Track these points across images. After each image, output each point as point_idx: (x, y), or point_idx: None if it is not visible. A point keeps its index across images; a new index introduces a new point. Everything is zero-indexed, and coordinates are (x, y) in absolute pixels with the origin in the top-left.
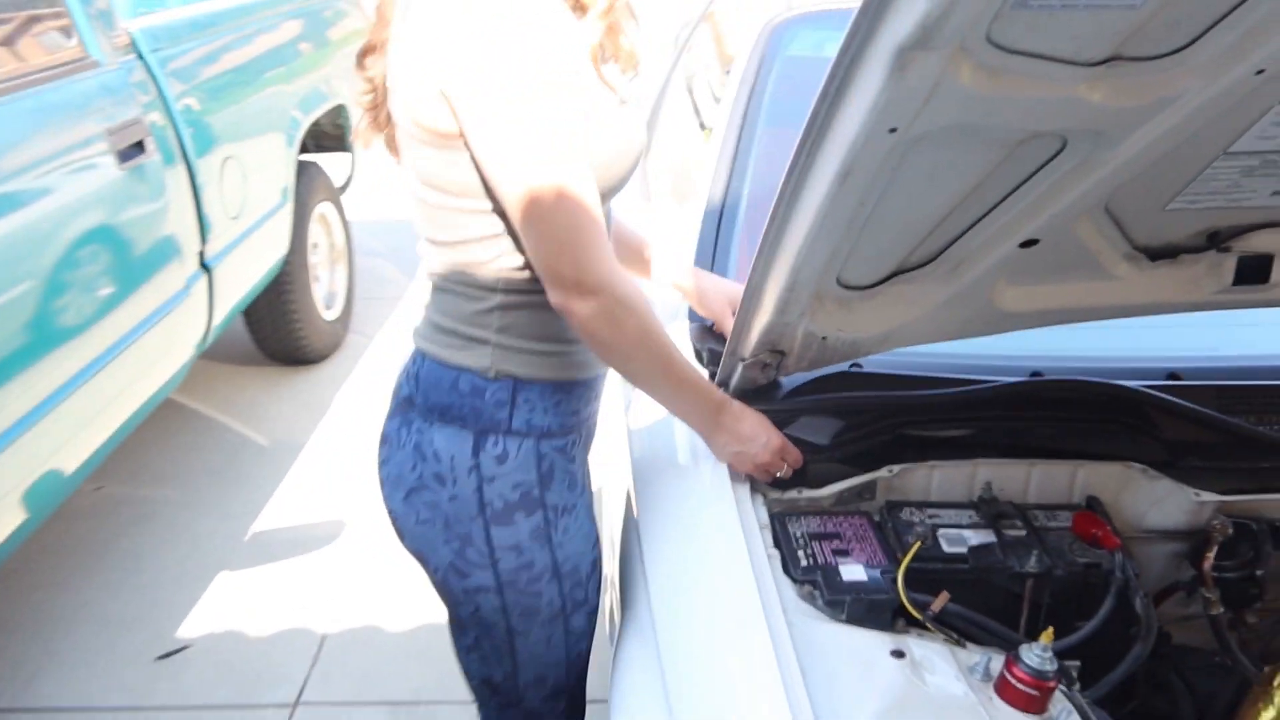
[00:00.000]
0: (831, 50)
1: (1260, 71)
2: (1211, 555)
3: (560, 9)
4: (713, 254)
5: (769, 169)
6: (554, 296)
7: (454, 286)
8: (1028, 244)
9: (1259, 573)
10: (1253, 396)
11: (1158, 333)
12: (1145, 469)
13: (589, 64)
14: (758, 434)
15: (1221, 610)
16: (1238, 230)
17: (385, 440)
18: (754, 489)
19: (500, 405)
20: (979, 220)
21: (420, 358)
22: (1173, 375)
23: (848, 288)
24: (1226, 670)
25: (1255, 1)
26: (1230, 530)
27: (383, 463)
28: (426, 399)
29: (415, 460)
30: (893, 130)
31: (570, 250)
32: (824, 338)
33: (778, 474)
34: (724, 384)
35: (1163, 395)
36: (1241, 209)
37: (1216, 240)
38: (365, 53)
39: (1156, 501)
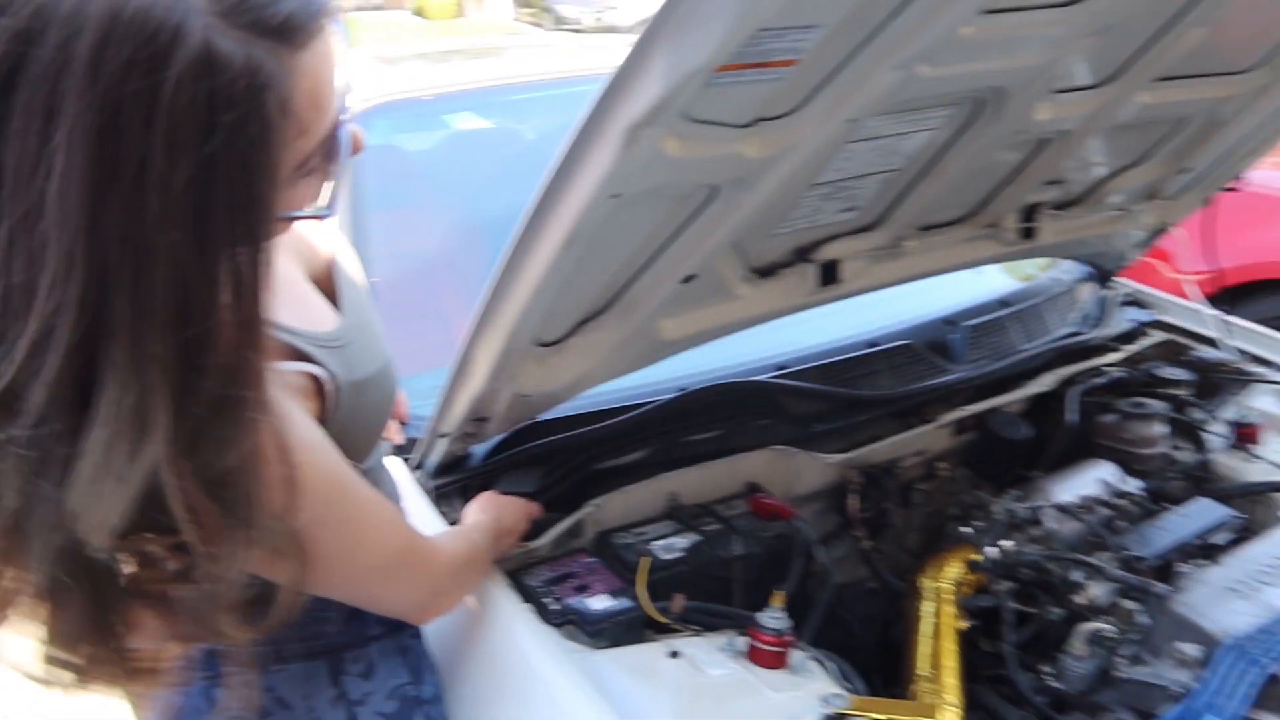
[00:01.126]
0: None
1: (849, 121)
2: (854, 501)
3: None
4: None
5: (394, 252)
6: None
7: None
8: (688, 279)
9: (886, 505)
10: (842, 370)
11: (763, 337)
12: (783, 448)
13: None
14: (518, 517)
15: (870, 544)
16: (816, 244)
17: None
18: None
19: (349, 615)
20: (649, 264)
21: None
22: (780, 368)
23: (543, 344)
24: (875, 593)
25: (846, 70)
26: (860, 479)
27: None
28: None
29: None
30: (615, 196)
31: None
32: (527, 396)
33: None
34: (419, 465)
35: (783, 381)
36: (818, 227)
37: (803, 254)
38: None
39: (797, 473)
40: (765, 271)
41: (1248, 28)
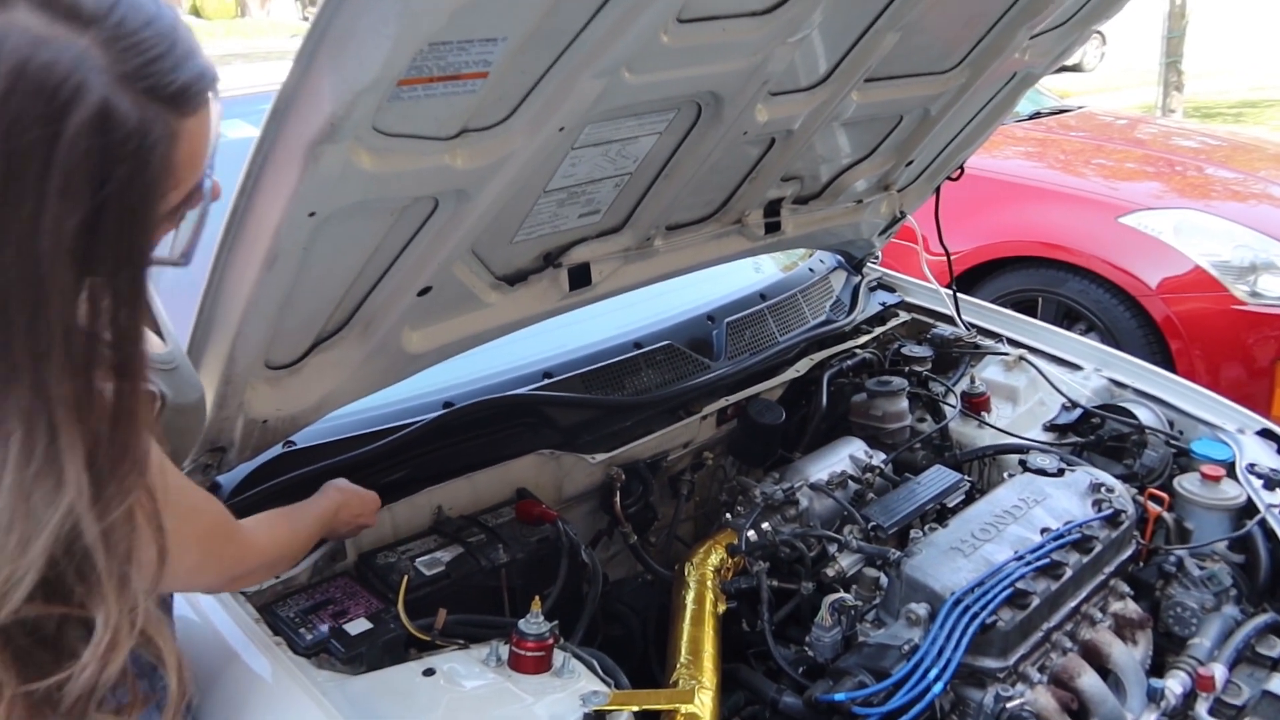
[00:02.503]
0: None
1: (561, 129)
2: (618, 499)
3: None
4: None
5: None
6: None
7: None
8: (424, 292)
9: (651, 499)
10: (606, 375)
11: (528, 342)
12: (551, 452)
13: None
14: (364, 506)
15: (635, 538)
16: (562, 249)
17: None
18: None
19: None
20: (380, 279)
21: None
22: (547, 374)
23: (275, 368)
24: (650, 584)
25: (545, 83)
26: (624, 476)
27: None
28: None
29: None
30: (312, 214)
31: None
32: (264, 421)
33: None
34: None
35: (547, 394)
36: (561, 232)
37: (551, 259)
38: None
39: (566, 474)
40: (514, 279)
41: (940, 33)
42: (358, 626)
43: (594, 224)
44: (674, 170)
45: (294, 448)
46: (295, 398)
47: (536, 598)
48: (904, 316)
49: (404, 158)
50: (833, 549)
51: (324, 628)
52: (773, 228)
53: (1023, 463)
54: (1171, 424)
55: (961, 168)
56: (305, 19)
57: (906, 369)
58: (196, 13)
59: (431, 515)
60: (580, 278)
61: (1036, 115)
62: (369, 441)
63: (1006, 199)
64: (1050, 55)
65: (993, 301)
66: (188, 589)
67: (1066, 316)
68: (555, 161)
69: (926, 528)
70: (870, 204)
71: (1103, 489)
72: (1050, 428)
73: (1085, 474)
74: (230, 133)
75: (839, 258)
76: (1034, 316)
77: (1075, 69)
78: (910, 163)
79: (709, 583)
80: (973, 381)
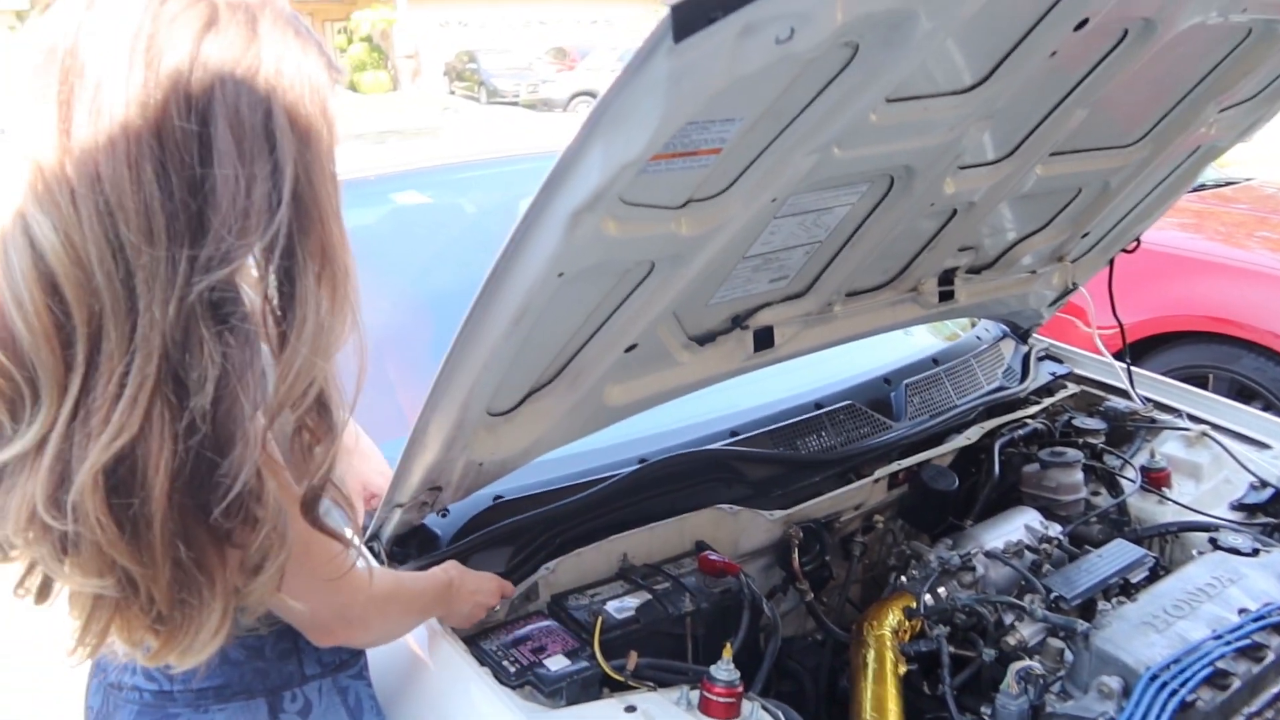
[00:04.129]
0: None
1: (773, 199)
2: (796, 555)
3: None
4: None
5: None
6: (318, 641)
7: None
8: (630, 349)
9: (827, 558)
10: (790, 432)
11: (716, 398)
12: (729, 507)
13: None
14: (480, 584)
15: (812, 595)
16: (750, 312)
17: None
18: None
19: (285, 655)
20: (594, 335)
21: None
22: (734, 432)
23: (494, 415)
24: (820, 644)
25: (764, 157)
26: (801, 534)
27: None
28: (190, 685)
29: None
30: (561, 274)
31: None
32: (480, 464)
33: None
34: (375, 536)
35: (736, 449)
36: (751, 296)
37: (738, 321)
38: None
39: (743, 529)
40: (704, 339)
41: (1126, 108)
42: (557, 663)
43: (781, 289)
44: (861, 239)
45: (502, 500)
46: (508, 443)
47: (728, 645)
48: (1073, 388)
49: (640, 225)
50: (1011, 618)
51: (527, 662)
52: (946, 296)
53: (1213, 540)
54: None
55: (1138, 240)
56: (452, 92)
57: (1080, 441)
58: (354, 88)
59: (617, 562)
60: (764, 340)
61: (1201, 187)
62: (570, 494)
63: (1173, 272)
64: (1237, 129)
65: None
66: (286, 605)
67: (1240, 394)
68: (759, 229)
69: (1114, 601)
70: (1043, 274)
71: None
72: (1238, 507)
73: None
74: (402, 199)
75: (1004, 327)
76: None
77: None
78: (1086, 234)
79: (888, 643)
80: (1152, 455)
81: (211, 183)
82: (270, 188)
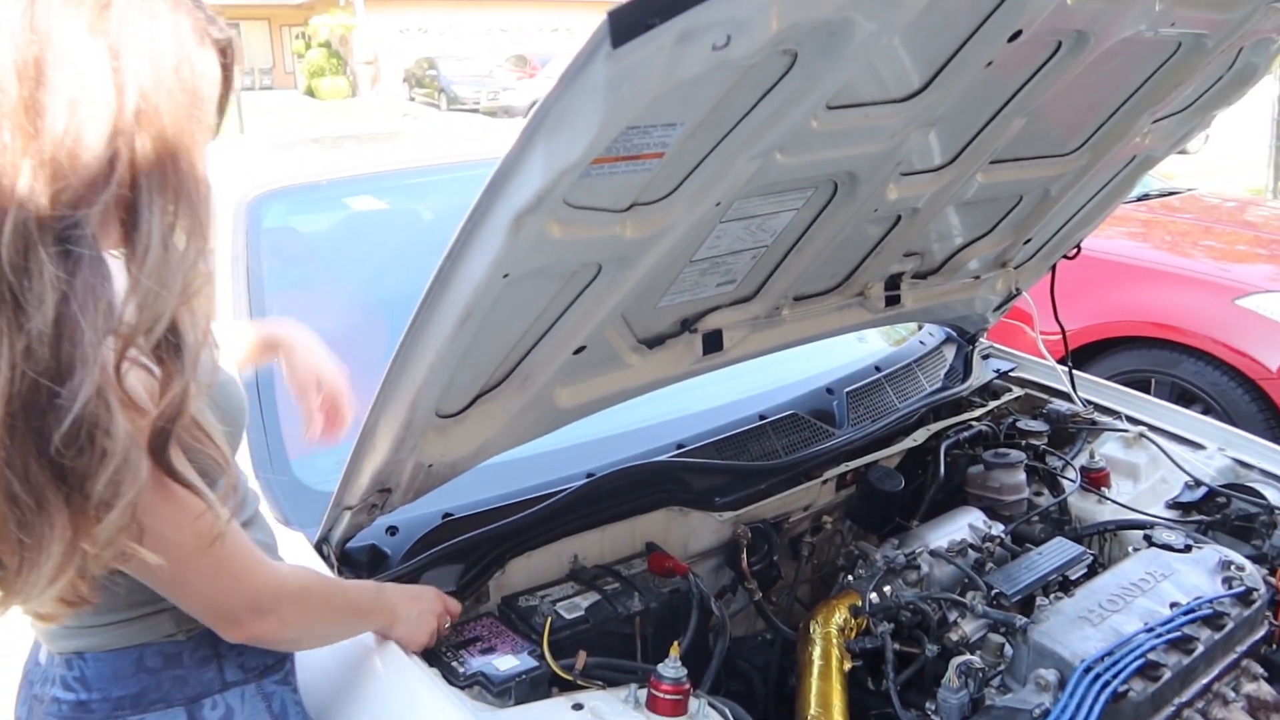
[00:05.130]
0: (299, 220)
1: (716, 204)
2: (744, 555)
3: None
4: None
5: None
6: (231, 636)
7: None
8: (578, 350)
9: (775, 558)
10: (734, 443)
11: (659, 406)
12: (681, 509)
13: None
14: (422, 603)
15: (760, 595)
16: (698, 315)
17: None
18: None
19: (205, 661)
20: (542, 337)
21: (76, 660)
22: (679, 444)
23: (443, 416)
24: (770, 643)
25: (708, 162)
26: (750, 534)
27: None
28: (107, 694)
29: None
30: (505, 275)
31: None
32: (430, 465)
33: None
34: (325, 539)
35: (682, 460)
36: (699, 299)
37: (687, 325)
38: None
39: (693, 530)
40: (653, 342)
41: (1063, 118)
42: (506, 663)
43: (729, 293)
44: (807, 244)
45: (451, 517)
46: (457, 445)
47: (675, 643)
48: (1018, 392)
49: (584, 227)
50: (954, 614)
51: (474, 662)
52: (893, 300)
53: (1148, 538)
54: None
55: (1078, 246)
56: (412, 99)
57: (1023, 443)
58: (311, 93)
59: (568, 563)
60: (713, 343)
61: (1145, 197)
62: (520, 510)
63: (1116, 279)
64: (1171, 140)
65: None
66: (190, 596)
67: (1181, 398)
68: (705, 233)
69: (1052, 597)
70: (987, 280)
71: (1233, 567)
72: (1174, 505)
73: (1214, 551)
74: (358, 205)
75: (949, 330)
76: None
77: (1180, 152)
78: (1028, 241)
79: (834, 640)
80: (1092, 456)
81: (45, 109)
82: (105, 126)
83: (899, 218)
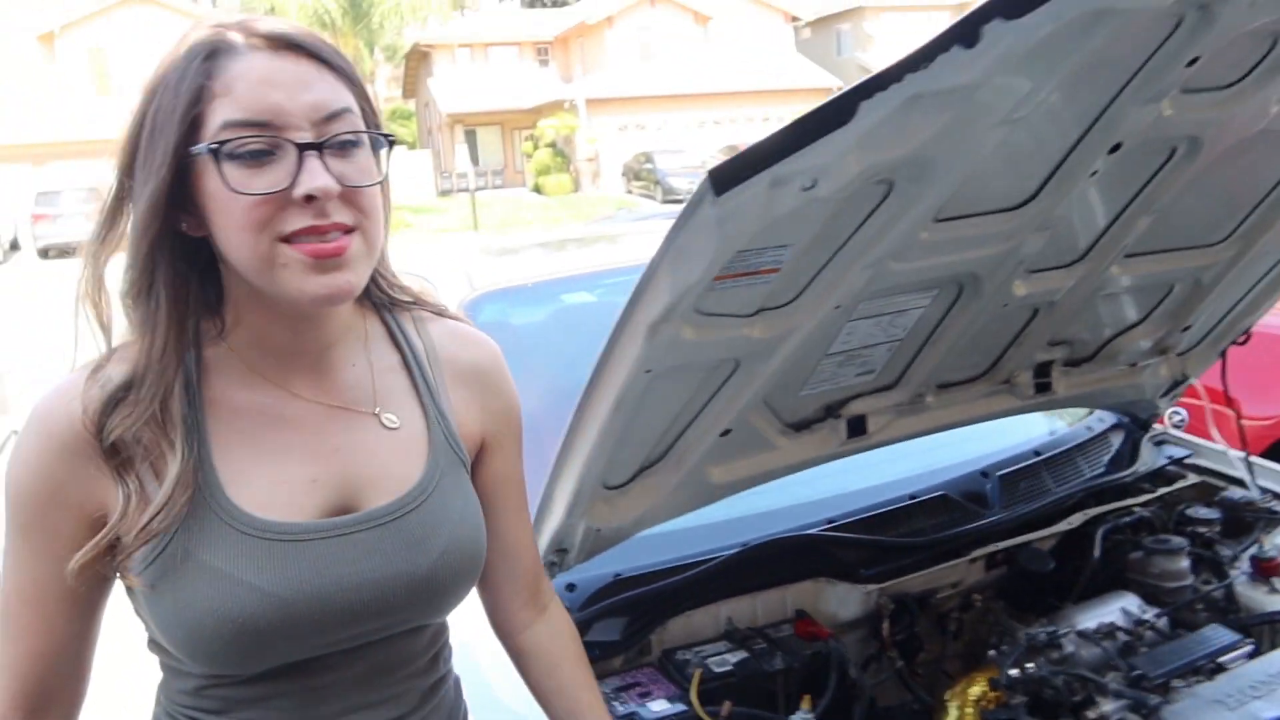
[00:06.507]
0: (514, 316)
1: (837, 307)
2: (886, 626)
3: None
4: None
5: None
6: None
7: None
8: (725, 433)
9: (916, 629)
10: (885, 519)
11: (811, 487)
12: (829, 580)
13: None
14: None
15: (902, 664)
16: (841, 402)
17: None
18: None
19: None
20: (692, 421)
21: None
22: (829, 520)
23: (609, 488)
24: (915, 713)
25: (824, 273)
26: (893, 605)
27: None
28: None
29: None
30: (648, 371)
31: None
32: (598, 530)
33: None
34: None
35: (829, 534)
36: (840, 388)
37: (832, 411)
38: None
39: (841, 600)
40: (799, 426)
41: (1199, 213)
42: (658, 706)
43: (870, 381)
44: (940, 337)
45: (621, 577)
46: (622, 513)
47: (806, 695)
48: (1193, 479)
49: (716, 331)
50: (1098, 696)
51: (632, 704)
52: (1043, 388)
53: None
54: None
55: (1248, 332)
56: (629, 192)
57: (1189, 529)
58: (538, 189)
59: (723, 624)
60: (857, 428)
61: None
62: (680, 572)
63: None
64: None
65: None
66: None
67: None
68: (835, 331)
69: (1191, 680)
70: (1148, 367)
71: None
72: None
73: None
74: (571, 299)
75: (1120, 416)
76: None
77: None
78: (1187, 328)
79: (969, 711)
80: (1261, 546)
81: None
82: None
83: (1036, 311)
